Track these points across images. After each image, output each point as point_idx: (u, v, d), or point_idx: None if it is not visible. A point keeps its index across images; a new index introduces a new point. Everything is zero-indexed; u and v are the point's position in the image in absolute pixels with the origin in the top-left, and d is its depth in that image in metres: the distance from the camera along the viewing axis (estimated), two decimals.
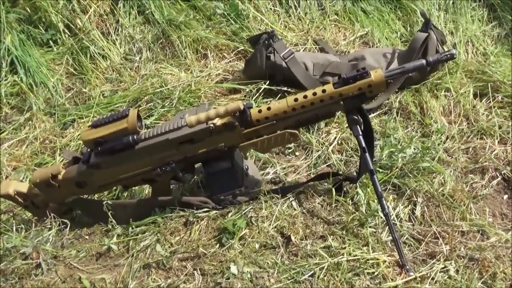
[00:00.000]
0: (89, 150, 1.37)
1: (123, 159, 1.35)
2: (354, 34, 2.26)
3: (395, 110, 1.84)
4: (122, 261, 1.36)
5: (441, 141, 1.65)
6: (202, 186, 1.55)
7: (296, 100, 1.27)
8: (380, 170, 1.54)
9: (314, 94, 1.26)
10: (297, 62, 1.90)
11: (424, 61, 1.22)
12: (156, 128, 1.35)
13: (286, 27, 2.33)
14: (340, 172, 1.58)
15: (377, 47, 2.18)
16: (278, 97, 1.93)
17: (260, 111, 1.30)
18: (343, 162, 1.66)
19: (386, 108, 1.86)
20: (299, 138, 1.34)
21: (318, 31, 2.29)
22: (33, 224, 1.51)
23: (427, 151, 1.52)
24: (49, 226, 1.48)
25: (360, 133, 1.29)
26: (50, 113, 2.14)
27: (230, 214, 1.42)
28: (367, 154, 1.28)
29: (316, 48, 2.17)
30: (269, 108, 1.29)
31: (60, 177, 1.41)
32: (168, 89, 1.98)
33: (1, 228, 1.49)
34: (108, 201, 1.41)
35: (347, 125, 1.39)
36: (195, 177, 1.57)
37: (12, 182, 1.46)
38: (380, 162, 1.55)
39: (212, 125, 1.29)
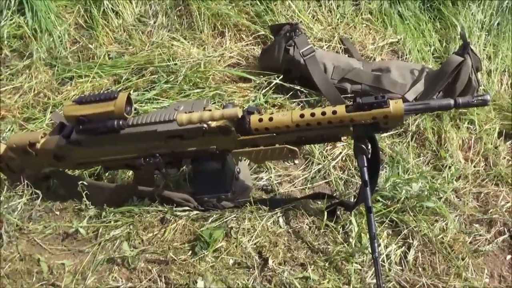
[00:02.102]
0: None
1: (105, 141, 1.25)
2: (385, 39, 2.09)
3: (410, 134, 1.70)
4: (88, 248, 1.27)
5: (452, 178, 1.51)
6: (188, 180, 1.45)
7: (302, 116, 1.14)
8: (380, 200, 1.42)
9: (323, 113, 1.13)
10: (316, 61, 1.75)
11: (452, 102, 1.08)
12: (147, 116, 1.23)
13: (313, 18, 2.16)
14: (337, 195, 1.46)
15: (406, 59, 2.01)
16: (289, 94, 1.80)
17: (260, 120, 1.17)
18: (343, 181, 1.54)
19: (401, 129, 1.72)
20: (298, 156, 1.22)
21: (347, 28, 2.13)
22: (5, 188, 1.42)
23: (435, 189, 1.40)
24: (20, 193, 1.39)
25: (365, 164, 1.17)
26: (50, 65, 2.02)
27: (210, 219, 1.32)
28: (368, 188, 1.16)
29: (341, 47, 2.01)
30: (271, 119, 1.17)
31: (38, 146, 1.31)
32: (175, 64, 1.85)
33: None
34: (85, 181, 1.31)
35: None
36: (183, 167, 1.46)
37: None
38: (382, 191, 1.43)
39: (205, 125, 1.17)
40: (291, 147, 1.19)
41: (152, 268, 1.19)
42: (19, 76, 1.98)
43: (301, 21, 2.11)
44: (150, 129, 1.21)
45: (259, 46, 2.03)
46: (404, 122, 1.11)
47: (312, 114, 1.14)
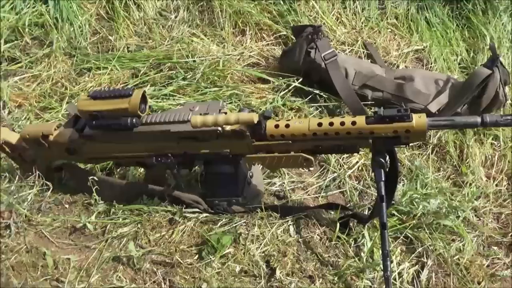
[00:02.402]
0: None
1: (118, 138, 1.23)
2: (410, 46, 2.03)
3: (431, 147, 1.64)
4: (95, 244, 1.26)
5: (473, 197, 1.45)
6: (200, 181, 1.42)
7: (320, 124, 1.10)
8: (396, 214, 1.38)
9: (342, 123, 1.09)
10: (338, 66, 1.71)
11: (478, 120, 1.03)
12: (161, 114, 1.21)
13: (337, 20, 2.11)
14: (350, 206, 1.42)
15: (430, 67, 1.95)
16: (308, 98, 1.75)
17: (277, 126, 1.14)
18: (358, 192, 1.50)
19: (422, 141, 1.66)
20: (313, 165, 1.18)
21: (371, 33, 2.07)
22: (17, 177, 1.41)
23: (454, 208, 1.34)
24: (31, 184, 1.38)
25: (383, 178, 1.12)
26: (69, 54, 2.01)
27: (219, 223, 1.29)
28: (384, 204, 1.12)
29: (364, 52, 1.96)
30: (287, 126, 1.13)
31: (51, 138, 1.30)
32: (194, 61, 1.82)
33: None
34: (95, 177, 1.29)
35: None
36: (195, 167, 1.43)
37: (3, 129, 1.36)
38: (398, 205, 1.38)
39: (220, 128, 1.14)
40: (307, 155, 1.15)
41: (157, 270, 1.17)
42: (38, 64, 1.97)
43: (324, 23, 2.06)
44: (163, 129, 1.18)
45: (280, 46, 2.00)
46: (426, 137, 1.07)
47: (331, 124, 1.10)
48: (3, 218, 1.26)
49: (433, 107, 1.66)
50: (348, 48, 1.97)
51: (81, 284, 1.13)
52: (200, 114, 1.16)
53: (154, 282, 1.15)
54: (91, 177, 1.28)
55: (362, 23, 2.11)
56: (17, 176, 1.41)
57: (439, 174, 1.57)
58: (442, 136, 1.67)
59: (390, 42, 2.05)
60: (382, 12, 2.19)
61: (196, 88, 1.78)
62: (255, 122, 1.07)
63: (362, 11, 2.16)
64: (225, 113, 1.17)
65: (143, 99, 1.17)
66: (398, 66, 1.93)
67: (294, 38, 1.84)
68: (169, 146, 1.22)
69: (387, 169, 1.14)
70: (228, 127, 1.14)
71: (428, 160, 1.61)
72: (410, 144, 1.15)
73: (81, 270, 1.17)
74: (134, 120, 1.17)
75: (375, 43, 2.01)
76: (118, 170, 1.46)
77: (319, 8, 2.07)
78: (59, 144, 1.30)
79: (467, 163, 1.59)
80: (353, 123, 1.08)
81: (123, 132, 1.20)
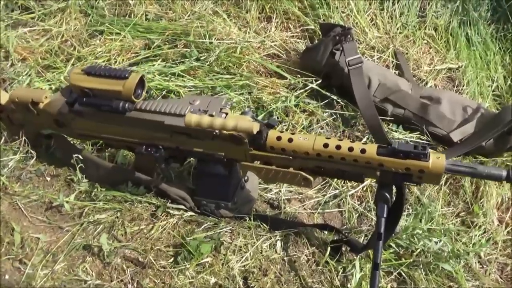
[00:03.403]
0: None
1: (108, 119, 1.14)
2: (444, 63, 1.88)
3: (445, 177, 1.52)
4: (69, 226, 1.18)
5: (480, 242, 1.34)
6: (192, 175, 1.33)
7: (326, 145, 1.00)
8: (393, 247, 1.27)
9: (350, 149, 0.98)
10: (361, 74, 1.58)
11: (503, 174, 0.91)
12: (157, 102, 1.11)
13: (371, 22, 1.96)
14: (347, 229, 1.32)
15: (461, 90, 1.81)
16: (324, 102, 1.64)
17: (279, 138, 1.03)
18: (358, 214, 1.40)
19: None
20: (312, 186, 1.08)
21: (404, 41, 1.92)
22: (3, 139, 1.34)
23: (456, 254, 1.24)
24: (15, 149, 1.31)
25: (385, 214, 1.02)
26: (85, 13, 1.91)
27: (204, 225, 1.21)
28: (381, 242, 1.02)
29: (392, 62, 1.82)
30: (290, 140, 1.02)
31: (40, 106, 1.21)
32: (211, 42, 1.71)
33: None
34: (80, 155, 1.21)
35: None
36: (190, 159, 1.34)
37: None
38: (397, 237, 1.28)
39: (216, 130, 1.04)
40: (306, 175, 1.05)
41: (127, 268, 1.09)
42: (51, 18, 1.88)
43: (357, 23, 1.92)
44: (157, 119, 1.09)
45: (305, 41, 1.87)
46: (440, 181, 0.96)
47: (338, 147, 0.99)
48: None
49: (456, 136, 1.54)
50: (377, 55, 1.83)
51: (44, 270, 1.06)
52: (199, 110, 1.06)
53: (121, 281, 1.07)
54: (75, 155, 1.19)
55: (398, 29, 1.96)
56: (3, 138, 1.34)
57: (449, 210, 1.45)
58: None
59: (424, 55, 1.90)
60: (421, 20, 2.04)
61: (208, 71, 1.67)
62: (254, 132, 0.97)
63: (400, 16, 2.01)
64: (226, 113, 1.07)
65: (141, 83, 1.07)
66: (426, 83, 1.79)
67: (320, 35, 1.71)
68: (161, 137, 1.13)
69: (391, 205, 1.03)
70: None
71: (440, 191, 1.49)
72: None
73: (48, 254, 1.10)
74: (127, 105, 1.07)
75: (407, 53, 1.87)
76: (109, 149, 1.38)
77: (354, 5, 1.93)
78: (48, 114, 1.21)
79: (481, 202, 1.47)
80: (363, 151, 0.97)
81: (114, 114, 1.11)
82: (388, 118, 1.61)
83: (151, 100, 1.12)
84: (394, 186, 1.01)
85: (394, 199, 1.03)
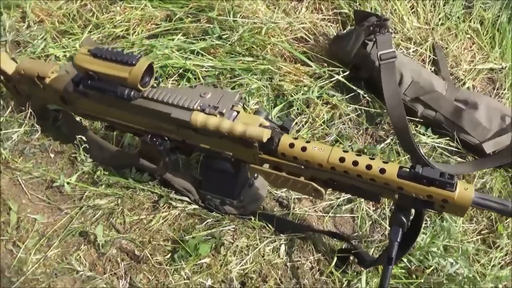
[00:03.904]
0: None
1: (113, 103, 1.07)
2: (486, 62, 1.72)
3: None
4: (68, 208, 1.15)
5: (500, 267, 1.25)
6: (201, 162, 1.26)
7: (342, 160, 0.91)
8: (404, 262, 1.19)
9: (368, 167, 0.89)
10: (393, 69, 1.45)
11: None
12: (166, 92, 1.03)
13: (411, 10, 1.81)
14: (358, 237, 1.25)
15: (501, 95, 1.66)
16: (349, 95, 1.53)
17: (292, 145, 0.95)
18: (371, 222, 1.31)
19: (461, 179, 1.43)
20: (323, 198, 1.00)
21: (446, 35, 1.77)
22: (11, 107, 1.30)
23: (472, 281, 1.15)
24: (21, 121, 1.26)
25: (399, 238, 0.93)
26: None
27: (206, 222, 1.15)
28: (390, 267, 0.94)
29: (429, 56, 1.68)
30: (304, 149, 0.93)
31: (46, 81, 1.15)
32: (235, 20, 1.60)
33: None
34: (84, 136, 1.16)
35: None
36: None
37: (2, 54, 1.22)
38: (411, 254, 1.20)
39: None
40: (318, 186, 0.96)
41: (122, 261, 1.05)
42: None
43: (395, 10, 1.77)
44: (163, 110, 1.01)
45: (337, 25, 1.74)
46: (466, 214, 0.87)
47: (355, 163, 0.90)
48: None
49: (489, 147, 1.42)
50: (413, 47, 1.69)
51: (37, 255, 1.03)
52: (209, 106, 0.98)
53: (114, 274, 1.04)
54: (79, 136, 1.14)
55: (440, 19, 1.80)
56: (10, 107, 1.30)
57: (470, 226, 1.35)
58: (489, 182, 1.43)
59: (465, 51, 1.74)
60: (467, 11, 1.87)
61: (229, 51, 1.58)
62: (264, 140, 0.88)
63: (444, 5, 1.85)
64: (238, 112, 0.98)
65: (149, 71, 0.99)
66: (464, 84, 1.65)
67: (354, 22, 1.58)
68: (167, 129, 1.05)
69: (407, 229, 0.94)
70: None
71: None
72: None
73: (43, 237, 1.07)
74: (132, 93, 1.00)
75: (446, 48, 1.72)
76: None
77: None
78: (54, 90, 1.16)
79: (507, 222, 1.37)
80: (382, 170, 0.88)
81: (120, 99, 1.04)
82: (417, 119, 1.50)
83: (160, 88, 1.04)
84: (412, 210, 0.92)
85: (410, 222, 0.94)
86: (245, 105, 1.44)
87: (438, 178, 0.83)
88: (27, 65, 1.16)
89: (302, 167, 0.95)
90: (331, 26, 1.72)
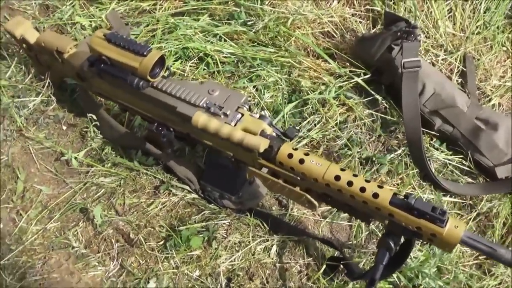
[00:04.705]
0: None
1: (124, 87, 1.08)
2: None
3: (475, 213, 1.39)
4: (73, 182, 1.19)
5: None
6: (206, 152, 1.27)
7: (337, 178, 0.90)
8: (393, 277, 1.20)
9: (362, 189, 0.88)
10: (415, 79, 1.41)
11: None
12: (175, 85, 1.04)
13: (448, 14, 1.73)
14: (352, 246, 1.25)
15: None
16: (367, 99, 1.50)
17: (290, 155, 0.94)
18: (368, 232, 1.31)
19: (468, 200, 1.40)
20: (316, 211, 1.00)
21: (480, 45, 1.69)
22: (31, 75, 1.33)
23: None
24: (39, 90, 1.30)
25: (384, 262, 0.93)
26: None
27: (203, 213, 1.18)
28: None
29: (458, 67, 1.61)
30: (301, 161, 0.93)
31: (65, 56, 1.17)
32: (262, 8, 1.57)
33: None
34: (96, 114, 1.19)
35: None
36: None
37: (25, 22, 1.24)
38: (401, 272, 1.20)
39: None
40: (312, 199, 0.97)
41: (117, 242, 1.09)
42: None
43: (431, 12, 1.70)
44: (170, 103, 1.02)
45: (367, 22, 1.68)
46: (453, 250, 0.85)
47: (349, 183, 0.89)
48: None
49: (502, 172, 1.38)
50: (443, 55, 1.62)
51: (38, 226, 1.08)
52: (214, 105, 0.99)
53: (107, 254, 1.08)
54: (89, 115, 1.17)
55: (477, 27, 1.72)
56: (30, 75, 1.33)
57: (468, 249, 1.33)
58: (496, 207, 1.39)
59: (497, 65, 1.67)
60: (508, 22, 1.77)
61: (252, 39, 1.56)
62: (260, 151, 0.89)
63: (485, 12, 1.75)
64: (242, 114, 0.98)
65: (160, 62, 1.00)
66: (490, 100, 1.59)
67: (383, 25, 1.53)
68: (174, 121, 1.07)
69: (394, 253, 0.94)
70: None
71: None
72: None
73: (45, 209, 1.12)
74: (141, 82, 1.01)
75: (478, 59, 1.65)
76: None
77: None
78: (71, 67, 1.18)
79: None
80: (375, 195, 0.87)
81: (129, 86, 1.05)
82: (433, 132, 1.46)
83: (170, 79, 1.04)
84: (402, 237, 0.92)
85: (399, 247, 0.94)
86: (259, 98, 1.43)
87: (429, 212, 0.82)
88: (48, 38, 1.18)
89: (298, 178, 0.95)
90: (361, 22, 1.67)
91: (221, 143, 1.02)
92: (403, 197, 0.86)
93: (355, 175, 0.90)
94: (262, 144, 0.90)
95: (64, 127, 1.28)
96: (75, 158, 1.19)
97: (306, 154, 0.94)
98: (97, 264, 1.05)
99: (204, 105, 0.99)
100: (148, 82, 1.02)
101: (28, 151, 1.21)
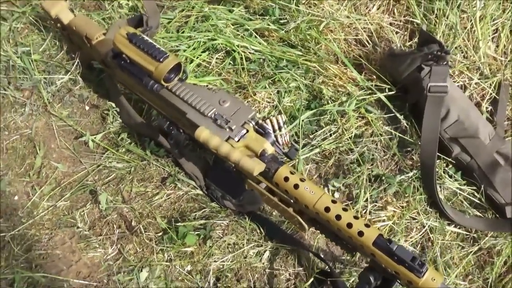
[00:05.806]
0: None
1: (141, 85, 1.12)
2: None
3: (477, 246, 1.37)
4: (88, 163, 1.26)
5: None
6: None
7: (327, 209, 0.92)
8: None
9: (349, 225, 0.90)
10: (440, 105, 1.37)
11: None
12: (189, 90, 1.07)
13: (494, 33, 1.65)
14: (345, 261, 1.27)
15: None
16: (388, 115, 1.48)
17: (286, 179, 0.97)
18: None
19: (473, 233, 1.39)
20: (306, 233, 1.03)
21: None
22: (62, 52, 1.39)
23: None
24: (68, 68, 1.36)
25: None
26: None
27: (203, 210, 1.23)
28: None
29: (491, 94, 1.55)
30: (296, 186, 0.95)
31: (93, 42, 1.22)
32: (297, 8, 1.55)
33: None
34: (116, 101, 1.24)
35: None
36: None
37: (61, 2, 1.29)
38: None
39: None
40: (302, 221, 0.99)
41: (118, 228, 1.16)
42: None
43: (474, 31, 1.62)
44: (181, 108, 1.06)
45: (404, 33, 1.63)
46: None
47: (338, 217, 0.91)
48: (21, 96, 1.27)
49: (510, 212, 1.35)
50: (477, 80, 1.56)
51: (49, 202, 1.16)
52: (222, 117, 1.01)
53: (108, 238, 1.15)
54: (109, 102, 1.22)
55: None
56: (62, 53, 1.39)
57: (463, 284, 1.33)
58: (499, 244, 1.37)
59: None
60: None
61: (282, 38, 1.55)
62: (255, 175, 0.91)
63: None
64: (247, 130, 1.01)
65: (176, 68, 1.02)
66: None
67: (416, 43, 1.48)
68: (184, 123, 1.10)
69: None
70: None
71: (465, 258, 1.36)
72: None
73: (58, 187, 1.19)
74: (156, 85, 1.04)
75: None
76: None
77: (482, 7, 1.61)
78: (98, 53, 1.22)
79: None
80: (361, 233, 0.89)
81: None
82: (450, 159, 1.43)
83: (184, 84, 1.07)
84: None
85: (380, 285, 0.96)
86: (279, 100, 1.44)
87: (408, 261, 0.84)
88: (79, 22, 1.23)
89: (292, 200, 0.98)
90: (397, 33, 1.62)
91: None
92: (387, 240, 0.88)
93: (344, 209, 0.92)
94: (256, 169, 0.92)
95: (87, 107, 1.34)
96: (92, 140, 1.25)
97: (302, 180, 0.96)
98: (97, 246, 1.13)
99: (213, 115, 1.02)
100: (162, 86, 1.05)
101: (51, 127, 1.28)
